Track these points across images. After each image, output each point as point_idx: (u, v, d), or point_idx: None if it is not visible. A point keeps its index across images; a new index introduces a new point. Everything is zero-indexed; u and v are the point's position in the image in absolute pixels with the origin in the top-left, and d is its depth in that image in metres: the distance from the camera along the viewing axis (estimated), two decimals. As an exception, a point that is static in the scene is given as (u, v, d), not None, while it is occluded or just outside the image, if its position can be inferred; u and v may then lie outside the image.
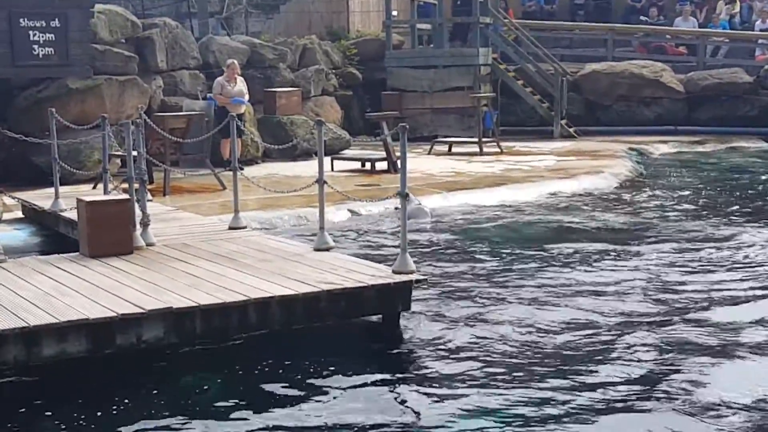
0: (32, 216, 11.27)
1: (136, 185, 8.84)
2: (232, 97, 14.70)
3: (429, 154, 18.15)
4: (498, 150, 18.09)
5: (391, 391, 6.01)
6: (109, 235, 8.15)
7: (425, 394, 5.93)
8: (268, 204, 12.00)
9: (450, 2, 23.15)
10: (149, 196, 10.09)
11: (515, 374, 6.24)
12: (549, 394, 5.84)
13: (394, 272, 7.21)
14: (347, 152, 17.14)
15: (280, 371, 6.34)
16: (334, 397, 5.88)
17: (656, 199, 13.45)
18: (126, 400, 5.84)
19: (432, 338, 7.01)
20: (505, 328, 7.19)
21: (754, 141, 20.52)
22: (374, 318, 7.34)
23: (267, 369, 6.38)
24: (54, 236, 10.49)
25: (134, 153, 8.88)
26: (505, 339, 6.95)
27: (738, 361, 6.43)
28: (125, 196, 8.83)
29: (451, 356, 6.63)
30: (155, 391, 6.01)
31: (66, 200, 10.41)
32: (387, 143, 14.99)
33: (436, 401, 5.80)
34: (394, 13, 22.12)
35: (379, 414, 5.62)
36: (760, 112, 20.94)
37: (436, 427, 5.42)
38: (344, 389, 6.03)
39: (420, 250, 9.92)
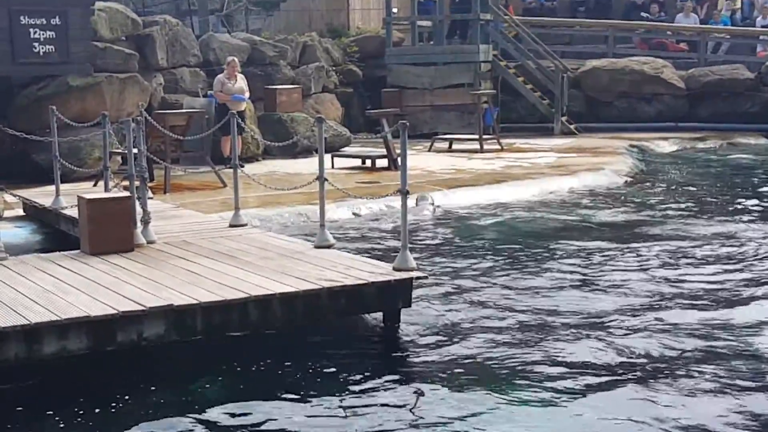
0: (33, 213, 11.29)
1: (137, 183, 8.84)
2: (233, 94, 14.69)
3: (429, 151, 18.14)
4: (498, 147, 18.08)
5: (392, 389, 6.01)
6: (109, 232, 8.16)
7: (426, 391, 5.93)
8: (269, 201, 11.99)
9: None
10: (150, 194, 10.11)
11: (517, 371, 6.23)
12: (552, 393, 5.83)
13: (395, 269, 7.20)
14: (348, 149, 17.12)
15: (280, 370, 6.34)
16: (335, 396, 5.88)
17: (657, 196, 13.44)
18: (126, 400, 5.84)
19: (433, 335, 7.01)
20: (506, 325, 7.20)
21: (756, 137, 20.46)
22: (375, 315, 7.34)
23: (267, 368, 6.37)
24: (55, 234, 10.50)
25: (135, 150, 8.87)
26: (506, 336, 6.95)
27: (738, 360, 6.43)
28: (126, 193, 8.85)
29: (452, 353, 6.63)
30: (155, 391, 6.00)
31: (67, 198, 10.41)
32: (387, 140, 14.97)
33: (437, 399, 5.80)
34: (395, 10, 22.09)
35: (379, 412, 5.62)
36: (761, 109, 20.90)
37: (437, 425, 5.41)
38: (345, 388, 6.02)
39: (421, 247, 9.92)
